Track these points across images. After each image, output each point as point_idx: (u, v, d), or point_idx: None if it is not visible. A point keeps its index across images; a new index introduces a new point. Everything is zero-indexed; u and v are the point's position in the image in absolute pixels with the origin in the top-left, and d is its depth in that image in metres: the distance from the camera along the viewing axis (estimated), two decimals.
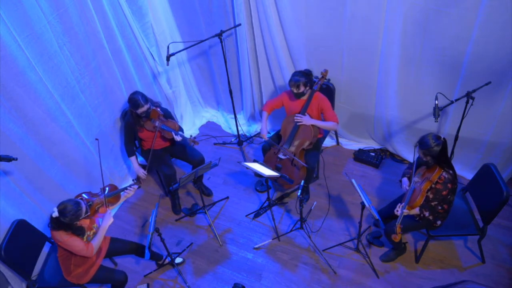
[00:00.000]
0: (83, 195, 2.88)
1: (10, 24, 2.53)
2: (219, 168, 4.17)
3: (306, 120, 3.37)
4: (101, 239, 2.73)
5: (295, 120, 3.40)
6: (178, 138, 3.40)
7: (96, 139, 3.00)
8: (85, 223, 2.70)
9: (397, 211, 2.77)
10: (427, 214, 2.75)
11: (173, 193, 3.77)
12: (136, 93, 3.33)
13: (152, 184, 4.17)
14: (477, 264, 3.13)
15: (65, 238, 2.56)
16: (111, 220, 2.79)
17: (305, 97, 3.40)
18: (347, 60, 3.54)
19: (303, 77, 3.25)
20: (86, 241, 2.65)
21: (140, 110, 3.30)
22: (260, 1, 3.44)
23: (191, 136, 3.42)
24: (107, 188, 2.98)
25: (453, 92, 3.21)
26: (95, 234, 2.75)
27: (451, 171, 2.66)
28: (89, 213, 2.60)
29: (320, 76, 3.45)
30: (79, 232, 2.61)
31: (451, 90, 3.21)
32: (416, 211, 2.76)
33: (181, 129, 3.59)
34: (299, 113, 3.41)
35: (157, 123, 3.40)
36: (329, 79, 3.47)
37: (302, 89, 3.28)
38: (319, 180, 3.93)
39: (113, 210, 3.79)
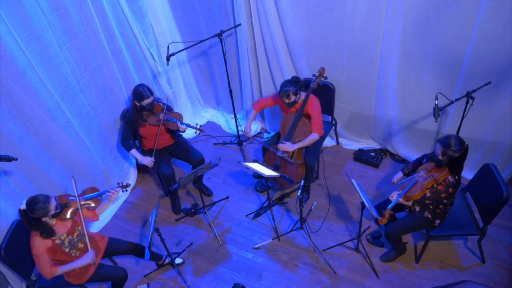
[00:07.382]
0: (70, 196, 2.78)
1: (10, 24, 2.53)
2: (219, 168, 4.17)
3: (289, 147, 3.37)
4: (67, 271, 2.62)
5: (280, 149, 3.41)
6: (183, 127, 3.44)
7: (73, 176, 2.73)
8: (64, 225, 2.64)
9: (392, 197, 2.76)
10: (417, 209, 2.76)
11: (173, 193, 3.77)
12: (140, 85, 3.36)
13: (152, 184, 4.17)
14: (477, 264, 3.14)
15: (35, 251, 2.49)
16: (90, 262, 2.66)
17: (300, 100, 3.39)
18: (347, 60, 3.54)
19: (292, 86, 3.24)
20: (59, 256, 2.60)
21: (145, 102, 3.32)
22: (260, 1, 3.44)
23: (197, 124, 3.48)
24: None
25: (453, 92, 3.21)
26: (79, 236, 2.70)
27: (457, 177, 2.64)
28: (58, 211, 2.52)
29: (317, 74, 3.45)
30: (48, 233, 2.51)
31: (451, 90, 3.21)
32: (408, 202, 2.77)
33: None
34: (295, 112, 3.41)
35: (161, 116, 3.43)
36: (326, 77, 3.47)
37: (292, 98, 3.27)
38: (319, 180, 3.93)
39: (107, 212, 3.80)
